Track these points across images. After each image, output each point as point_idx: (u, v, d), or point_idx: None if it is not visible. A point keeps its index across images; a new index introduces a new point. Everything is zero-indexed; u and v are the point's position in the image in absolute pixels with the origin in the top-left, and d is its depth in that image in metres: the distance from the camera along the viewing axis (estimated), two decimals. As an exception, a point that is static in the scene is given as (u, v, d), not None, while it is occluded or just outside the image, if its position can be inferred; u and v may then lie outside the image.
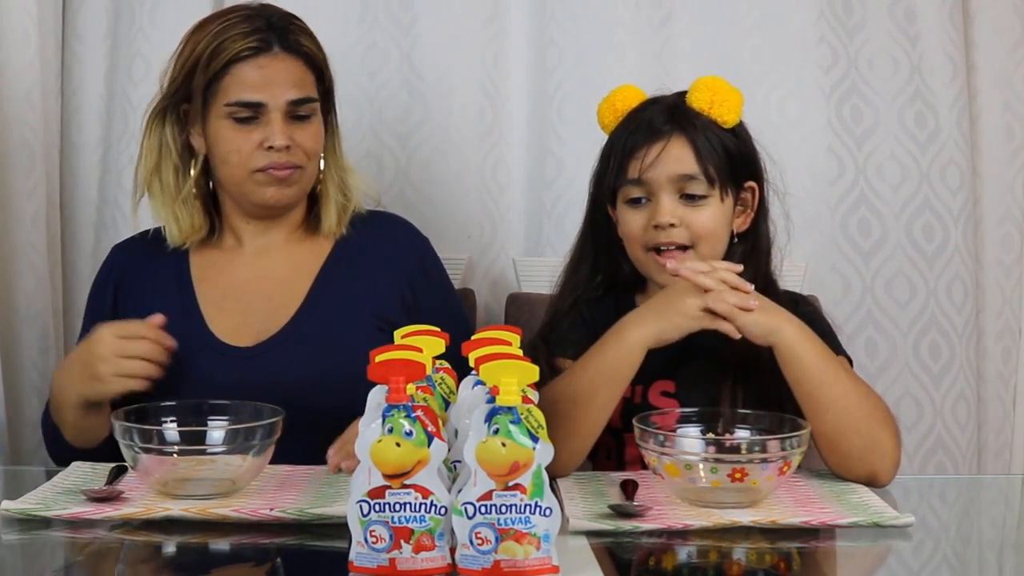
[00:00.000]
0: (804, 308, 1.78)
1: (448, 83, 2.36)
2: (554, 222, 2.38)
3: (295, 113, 1.85)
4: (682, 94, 1.81)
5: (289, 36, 1.85)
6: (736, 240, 1.81)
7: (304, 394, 1.79)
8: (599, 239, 1.85)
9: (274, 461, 1.60)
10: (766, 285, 1.77)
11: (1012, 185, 2.41)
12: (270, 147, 1.82)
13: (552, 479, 1.33)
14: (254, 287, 1.90)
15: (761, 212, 1.82)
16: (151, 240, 1.96)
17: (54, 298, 2.33)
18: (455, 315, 1.94)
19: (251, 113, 1.83)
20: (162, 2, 2.35)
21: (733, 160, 1.77)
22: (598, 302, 1.86)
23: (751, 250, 1.81)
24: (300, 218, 1.95)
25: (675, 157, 1.75)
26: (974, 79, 2.40)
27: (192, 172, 1.89)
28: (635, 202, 1.77)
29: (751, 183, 1.80)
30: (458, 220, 2.37)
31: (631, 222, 1.78)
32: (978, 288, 2.41)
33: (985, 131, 2.41)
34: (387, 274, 1.91)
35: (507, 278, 2.35)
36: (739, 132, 1.80)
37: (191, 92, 1.85)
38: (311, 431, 1.71)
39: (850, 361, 1.77)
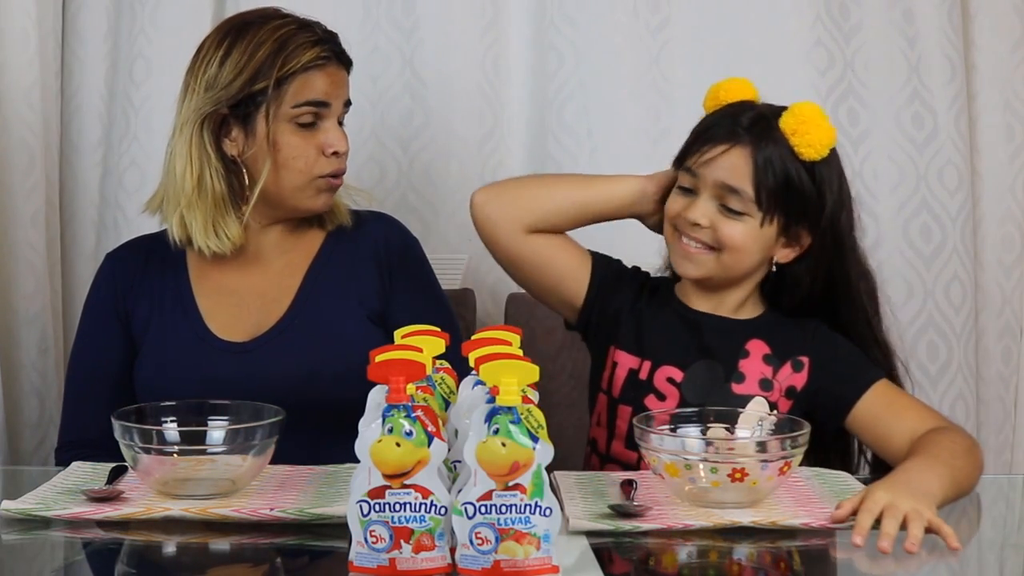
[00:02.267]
0: (844, 344, 1.81)
1: (449, 87, 2.36)
2: (553, 224, 2.38)
3: (341, 118, 1.89)
4: (781, 110, 1.77)
5: (339, 48, 1.90)
6: (775, 269, 1.80)
7: (300, 387, 1.80)
8: None
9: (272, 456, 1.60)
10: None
11: (1012, 185, 2.41)
12: (334, 152, 1.86)
13: (551, 477, 1.34)
14: (249, 283, 1.91)
15: (811, 255, 1.78)
16: (144, 245, 1.96)
17: (53, 299, 2.33)
18: (435, 313, 1.91)
19: (315, 115, 1.85)
20: (163, 2, 2.35)
21: (791, 193, 1.73)
22: (641, 281, 1.89)
23: (784, 282, 1.80)
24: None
25: (730, 165, 1.73)
26: (974, 79, 2.40)
27: (245, 179, 1.86)
28: (684, 191, 1.78)
29: (810, 227, 1.76)
30: (459, 222, 2.37)
31: (673, 202, 1.79)
32: (978, 289, 2.41)
33: (985, 131, 2.41)
34: (369, 265, 1.93)
35: (507, 279, 2.34)
36: (816, 171, 1.74)
37: (246, 96, 1.83)
38: (308, 424, 1.73)
39: (890, 376, 1.80)
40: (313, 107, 1.84)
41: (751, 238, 1.74)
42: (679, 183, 1.78)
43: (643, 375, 1.79)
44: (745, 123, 1.74)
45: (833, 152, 1.77)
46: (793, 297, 1.81)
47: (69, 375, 1.95)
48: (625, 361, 1.81)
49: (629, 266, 1.90)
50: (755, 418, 1.64)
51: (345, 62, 1.91)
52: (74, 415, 1.91)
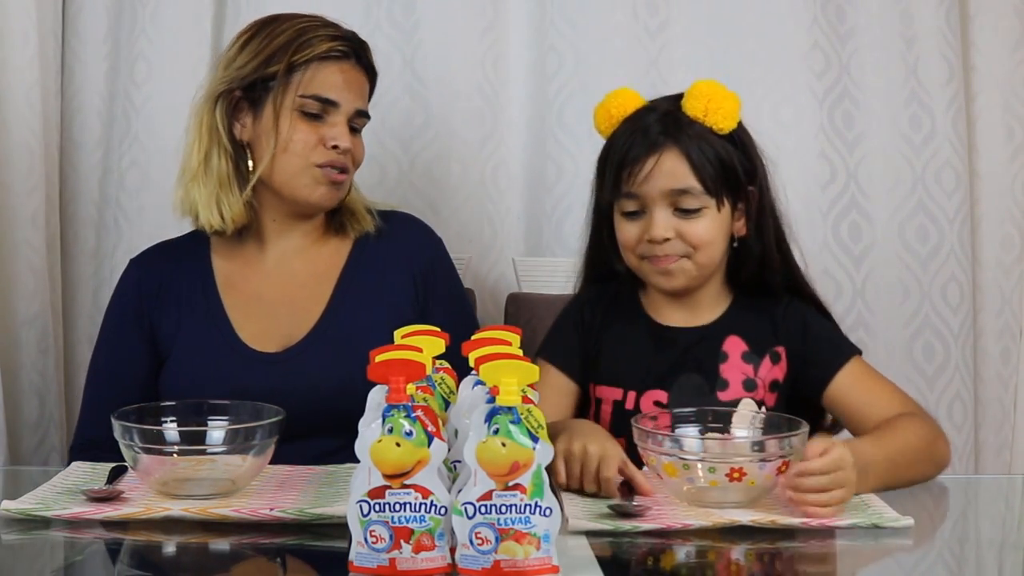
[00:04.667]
0: (814, 325, 1.82)
1: (450, 88, 2.37)
2: (553, 225, 2.39)
3: (354, 123, 1.90)
4: (678, 99, 1.79)
5: (363, 53, 1.92)
6: (736, 244, 1.80)
7: (333, 397, 1.80)
8: (600, 239, 1.85)
9: (301, 462, 1.62)
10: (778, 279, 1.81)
11: (1012, 186, 2.41)
12: (334, 146, 1.86)
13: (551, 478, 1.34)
14: (278, 292, 1.91)
15: (760, 216, 1.80)
16: (168, 250, 1.96)
17: (53, 299, 2.33)
18: (464, 317, 1.95)
19: (321, 110, 1.86)
20: (164, 3, 2.35)
21: (728, 169, 1.76)
22: (596, 299, 1.87)
23: (746, 253, 1.81)
24: (320, 222, 1.96)
25: (668, 171, 1.74)
26: (973, 80, 2.40)
27: (249, 160, 1.88)
28: (631, 215, 1.77)
29: (752, 188, 1.79)
30: (459, 223, 2.37)
31: (626, 232, 1.78)
32: (976, 289, 2.41)
33: (984, 132, 2.41)
34: (401, 272, 1.93)
35: (507, 278, 2.35)
36: (737, 137, 1.78)
37: (258, 80, 1.86)
38: (339, 433, 1.74)
39: (859, 352, 1.81)
40: (319, 102, 1.85)
41: (715, 230, 1.76)
42: (622, 209, 1.78)
43: (629, 405, 1.78)
44: (657, 128, 1.76)
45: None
46: (750, 269, 1.81)
47: (90, 377, 1.95)
48: (608, 395, 1.81)
49: (575, 308, 1.88)
50: (748, 417, 1.64)
51: (366, 66, 1.92)
52: (92, 416, 1.91)
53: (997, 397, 2.43)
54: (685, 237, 1.75)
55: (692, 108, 1.76)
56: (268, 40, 1.86)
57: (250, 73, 1.86)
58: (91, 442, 1.87)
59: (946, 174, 2.37)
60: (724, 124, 1.76)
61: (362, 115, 1.91)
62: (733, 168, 1.76)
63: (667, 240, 1.74)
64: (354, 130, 1.91)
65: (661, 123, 1.76)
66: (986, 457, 2.42)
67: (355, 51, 1.90)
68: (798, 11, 2.36)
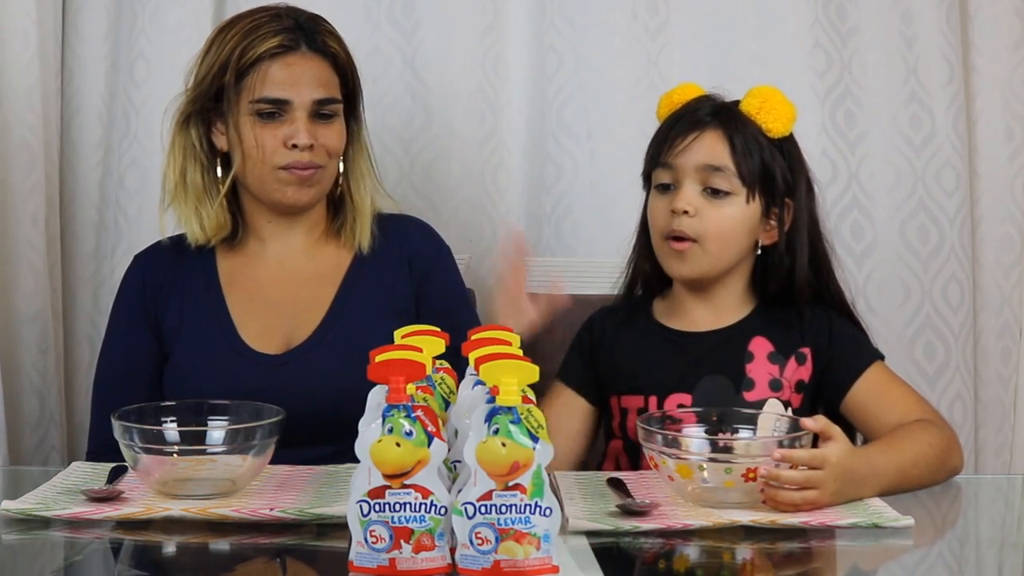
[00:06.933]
0: (839, 327, 1.81)
1: (450, 89, 2.37)
2: (553, 226, 2.39)
3: (319, 112, 1.86)
4: (738, 100, 1.81)
5: (316, 36, 1.88)
6: (760, 252, 1.80)
7: (334, 401, 1.79)
8: (645, 234, 1.85)
9: (300, 464, 1.62)
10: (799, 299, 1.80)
11: (1012, 185, 2.41)
12: (294, 145, 1.84)
13: (551, 477, 1.34)
14: (280, 292, 1.91)
15: (793, 231, 1.79)
16: (171, 246, 1.96)
17: (53, 299, 2.33)
18: (461, 317, 1.93)
19: (276, 110, 1.84)
20: (164, 3, 2.35)
21: (767, 169, 1.76)
22: (606, 318, 1.88)
23: (774, 264, 1.80)
24: (321, 219, 1.95)
25: (707, 146, 1.75)
26: (973, 80, 2.40)
27: (219, 170, 1.89)
28: (663, 188, 1.78)
29: (788, 200, 1.79)
30: (459, 223, 2.37)
31: (655, 207, 1.79)
32: (976, 289, 2.41)
33: (984, 132, 2.41)
34: (403, 274, 1.93)
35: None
36: (785, 147, 1.79)
37: (218, 91, 1.86)
38: (340, 436, 1.72)
39: (882, 357, 1.81)
40: (270, 103, 1.84)
41: (736, 221, 1.75)
42: (656, 181, 1.79)
43: (653, 410, 1.78)
44: (708, 110, 1.79)
45: (792, 132, 1.80)
46: (778, 281, 1.80)
47: (98, 378, 1.95)
48: (632, 403, 1.81)
49: (585, 329, 1.89)
50: (772, 419, 1.63)
51: (319, 50, 1.87)
52: (105, 417, 1.90)
53: (997, 397, 2.43)
54: (705, 219, 1.74)
55: (747, 105, 1.78)
56: (220, 49, 1.86)
57: (208, 87, 1.86)
58: (107, 442, 1.87)
59: (946, 174, 2.37)
60: (775, 126, 1.77)
61: (326, 103, 1.87)
62: (772, 171, 1.76)
63: (687, 214, 1.74)
64: (325, 117, 1.87)
65: (713, 108, 1.79)
66: (986, 457, 2.42)
67: (305, 38, 1.86)
68: (799, 11, 2.36)
